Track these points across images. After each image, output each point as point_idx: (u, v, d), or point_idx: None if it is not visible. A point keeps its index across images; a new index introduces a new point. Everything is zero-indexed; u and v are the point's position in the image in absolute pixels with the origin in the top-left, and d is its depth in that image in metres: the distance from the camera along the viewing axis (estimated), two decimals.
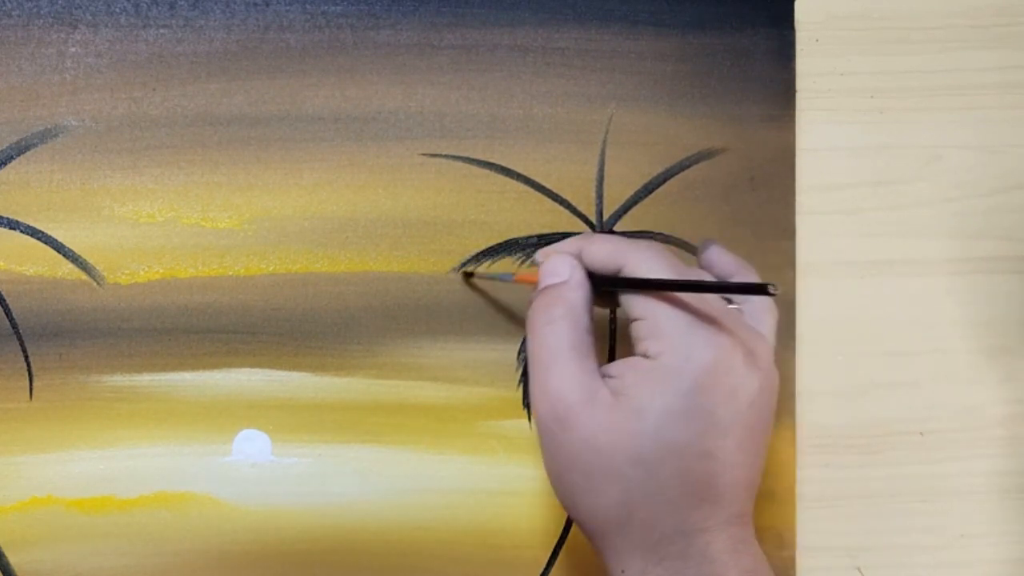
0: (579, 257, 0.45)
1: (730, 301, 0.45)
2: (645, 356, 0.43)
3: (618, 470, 0.42)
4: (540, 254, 0.47)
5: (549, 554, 0.54)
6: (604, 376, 0.43)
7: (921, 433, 0.57)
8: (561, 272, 0.45)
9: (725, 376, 0.42)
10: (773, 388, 0.44)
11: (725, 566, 0.42)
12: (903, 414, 0.57)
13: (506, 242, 0.54)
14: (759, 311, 0.46)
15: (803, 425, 0.56)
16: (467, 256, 0.54)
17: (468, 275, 0.54)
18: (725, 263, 0.48)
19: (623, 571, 0.43)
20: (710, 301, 0.43)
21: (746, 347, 0.43)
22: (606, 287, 0.45)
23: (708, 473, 0.42)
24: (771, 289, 0.38)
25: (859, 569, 0.56)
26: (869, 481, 0.56)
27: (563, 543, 0.54)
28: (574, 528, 0.54)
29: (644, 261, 0.43)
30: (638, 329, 0.43)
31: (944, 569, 0.57)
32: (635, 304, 0.43)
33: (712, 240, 0.49)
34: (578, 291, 0.45)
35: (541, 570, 0.54)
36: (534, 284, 0.46)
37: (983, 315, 0.57)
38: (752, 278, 0.47)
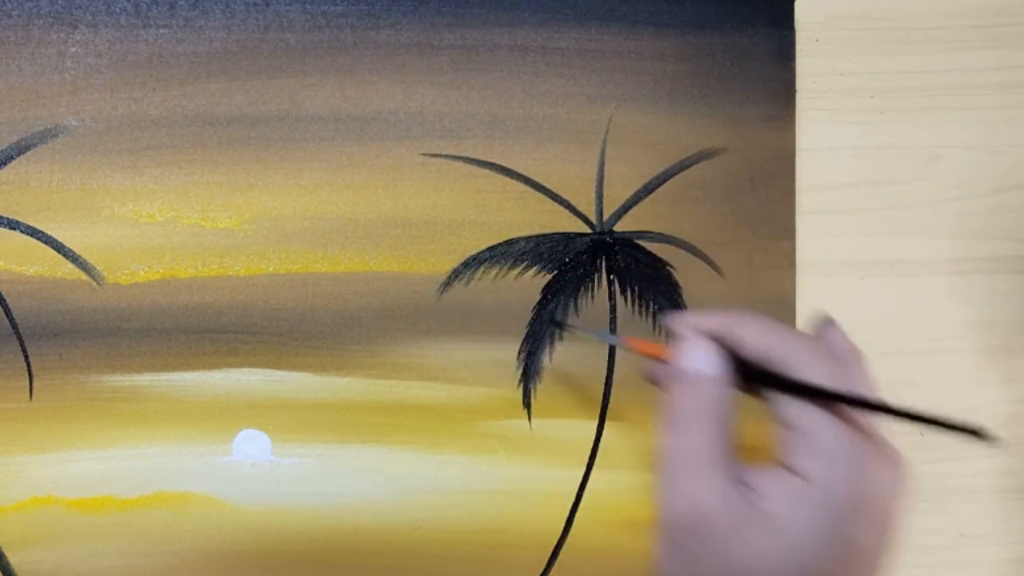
0: (726, 339, 0.41)
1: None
2: (793, 471, 0.39)
3: None
4: (678, 324, 0.42)
5: (549, 554, 0.54)
6: (742, 482, 0.39)
7: (921, 433, 0.57)
8: (705, 364, 0.41)
9: (878, 506, 0.38)
10: (902, 502, 0.40)
11: None
12: None
13: (506, 242, 0.54)
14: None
15: None
16: (467, 256, 0.54)
17: (560, 325, 0.53)
18: (839, 347, 0.42)
19: None
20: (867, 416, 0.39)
21: (892, 466, 0.39)
22: (761, 382, 0.40)
23: None
24: (983, 433, 0.35)
25: None
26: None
27: (563, 543, 0.54)
28: (574, 528, 0.54)
29: (807, 364, 0.39)
30: (790, 440, 0.39)
31: (944, 569, 0.57)
32: (788, 409, 0.39)
33: (831, 319, 0.43)
34: (726, 393, 0.40)
35: (541, 570, 0.54)
36: (653, 353, 0.43)
37: (983, 315, 0.57)
38: (860, 372, 0.41)
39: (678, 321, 0.42)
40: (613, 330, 0.55)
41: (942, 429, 0.37)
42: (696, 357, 0.41)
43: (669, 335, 0.43)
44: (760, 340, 0.40)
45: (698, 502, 0.39)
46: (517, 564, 0.54)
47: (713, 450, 0.39)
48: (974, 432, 0.35)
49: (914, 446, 0.56)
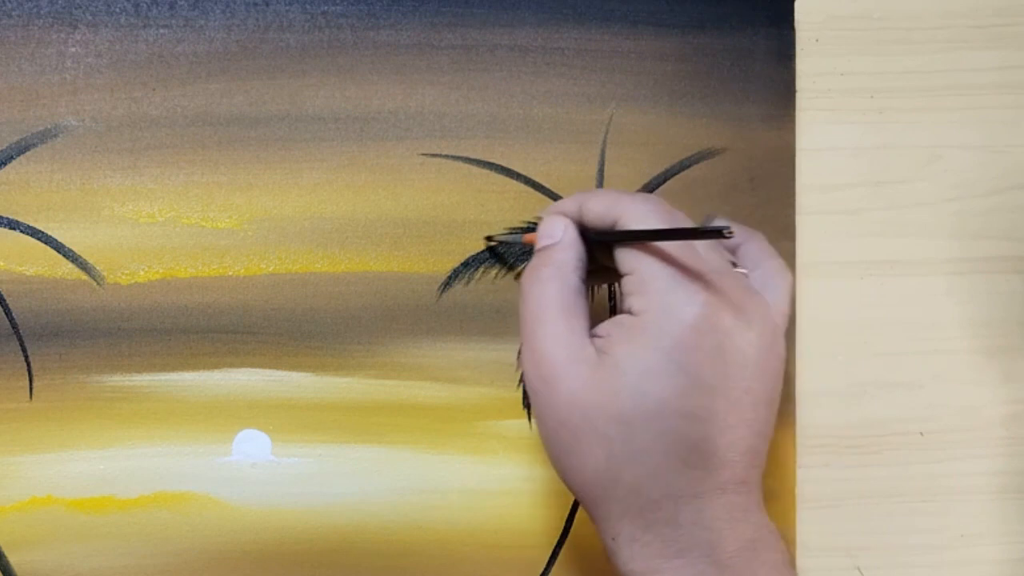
0: (578, 213, 0.45)
1: (735, 265, 0.44)
2: (630, 313, 0.42)
3: (602, 430, 0.41)
4: (543, 212, 0.47)
5: (549, 554, 0.54)
6: (593, 336, 0.42)
7: (921, 433, 0.57)
8: (554, 233, 0.45)
9: (710, 334, 0.40)
10: (774, 351, 0.43)
11: (720, 534, 0.40)
12: (903, 414, 0.57)
13: (509, 238, 0.54)
14: (769, 275, 0.45)
15: (803, 425, 0.56)
16: (467, 256, 0.54)
17: (489, 239, 0.54)
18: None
19: (613, 538, 0.42)
20: (707, 260, 0.42)
21: (737, 306, 0.41)
22: (595, 240, 0.44)
23: (695, 436, 0.40)
24: (726, 232, 0.38)
25: (859, 569, 0.56)
26: (869, 481, 0.56)
27: (563, 543, 0.54)
28: (574, 528, 0.54)
29: (640, 213, 0.43)
30: (626, 284, 0.42)
31: (944, 569, 0.57)
32: (625, 259, 0.42)
33: (715, 214, 0.48)
34: (568, 251, 0.44)
35: (541, 570, 0.54)
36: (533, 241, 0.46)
37: (983, 315, 0.57)
38: (760, 244, 0.46)
39: (546, 211, 0.46)
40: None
41: (695, 238, 0.41)
42: (545, 231, 0.45)
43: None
44: (600, 203, 0.44)
45: (546, 354, 0.42)
46: (517, 564, 0.54)
47: (559, 308, 0.43)
48: (716, 233, 0.38)
49: (914, 446, 0.56)
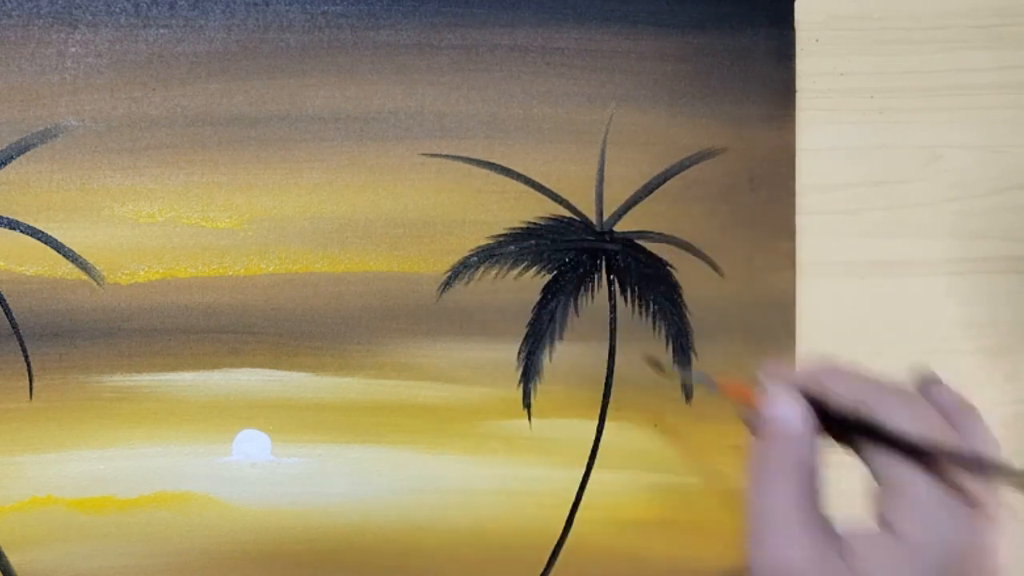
0: (814, 389, 0.40)
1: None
2: (890, 529, 0.37)
3: None
4: (766, 375, 0.41)
5: (549, 554, 0.54)
6: (834, 540, 0.38)
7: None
8: (792, 421, 0.39)
9: (975, 563, 0.37)
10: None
11: None
12: None
13: (505, 241, 0.54)
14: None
15: None
16: (466, 253, 0.54)
17: (658, 366, 0.53)
18: (946, 403, 0.40)
19: None
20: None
21: (994, 529, 0.37)
22: (852, 434, 0.39)
23: None
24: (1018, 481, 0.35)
25: None
26: (869, 481, 0.56)
27: (563, 543, 0.54)
28: (574, 528, 0.54)
29: (900, 415, 0.38)
30: (883, 495, 0.38)
31: None
32: (881, 463, 0.38)
33: (936, 376, 0.41)
34: (807, 443, 0.39)
35: (541, 570, 0.54)
36: (741, 398, 0.42)
37: (983, 315, 0.57)
38: (974, 424, 0.40)
39: (766, 372, 0.41)
40: (613, 331, 0.55)
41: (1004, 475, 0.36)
42: (782, 410, 0.40)
43: (758, 384, 0.41)
44: (851, 390, 0.39)
45: (788, 564, 0.37)
46: (517, 564, 0.54)
47: (802, 508, 0.38)
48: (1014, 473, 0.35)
49: None
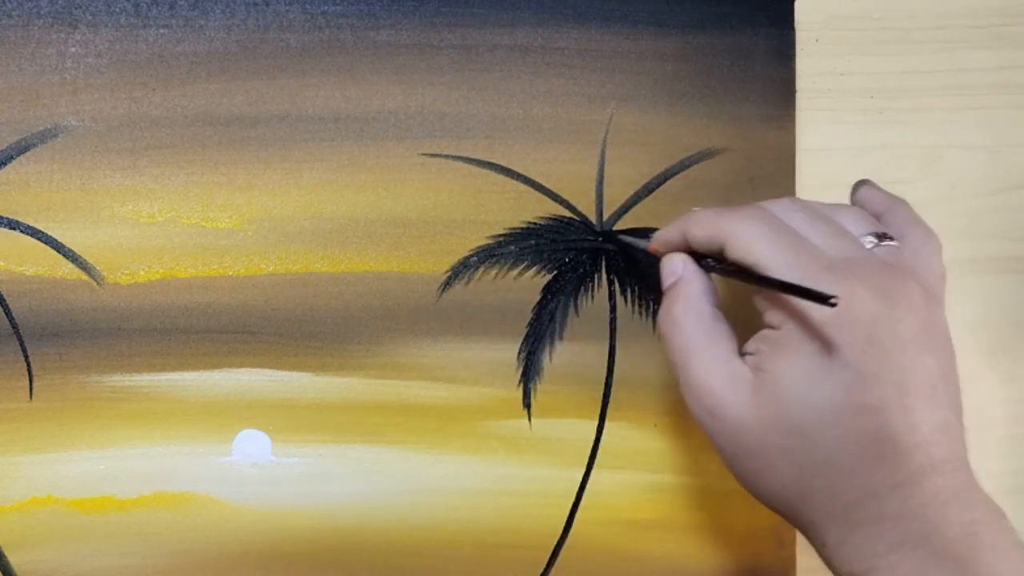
0: (683, 240, 0.45)
1: (885, 236, 0.44)
2: (771, 327, 0.42)
3: (780, 446, 0.40)
4: (655, 240, 0.48)
5: (549, 554, 0.54)
6: (744, 355, 0.43)
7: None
8: (675, 270, 0.45)
9: (856, 325, 0.40)
10: (932, 322, 0.42)
11: (932, 522, 0.39)
12: None
13: (505, 241, 0.54)
14: (918, 242, 0.45)
15: None
16: (466, 253, 0.54)
17: (609, 237, 0.55)
18: (875, 201, 0.47)
19: (823, 545, 0.41)
20: (838, 249, 0.42)
21: (879, 288, 0.40)
22: (709, 270, 0.45)
23: (873, 427, 0.39)
24: (831, 301, 0.38)
25: None
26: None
27: (563, 543, 0.54)
28: (574, 528, 0.54)
29: (744, 234, 0.42)
30: (757, 302, 0.43)
31: None
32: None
33: (867, 180, 0.48)
34: (693, 282, 0.45)
35: (541, 570, 0.54)
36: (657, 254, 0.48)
37: (983, 315, 0.57)
38: (904, 212, 0.47)
39: (654, 240, 0.48)
40: (613, 331, 0.55)
41: (801, 297, 0.40)
42: (666, 270, 0.46)
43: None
44: (703, 230, 0.44)
45: (703, 386, 0.42)
46: (517, 564, 0.54)
47: (701, 339, 0.43)
48: (820, 298, 0.38)
49: None
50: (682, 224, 0.46)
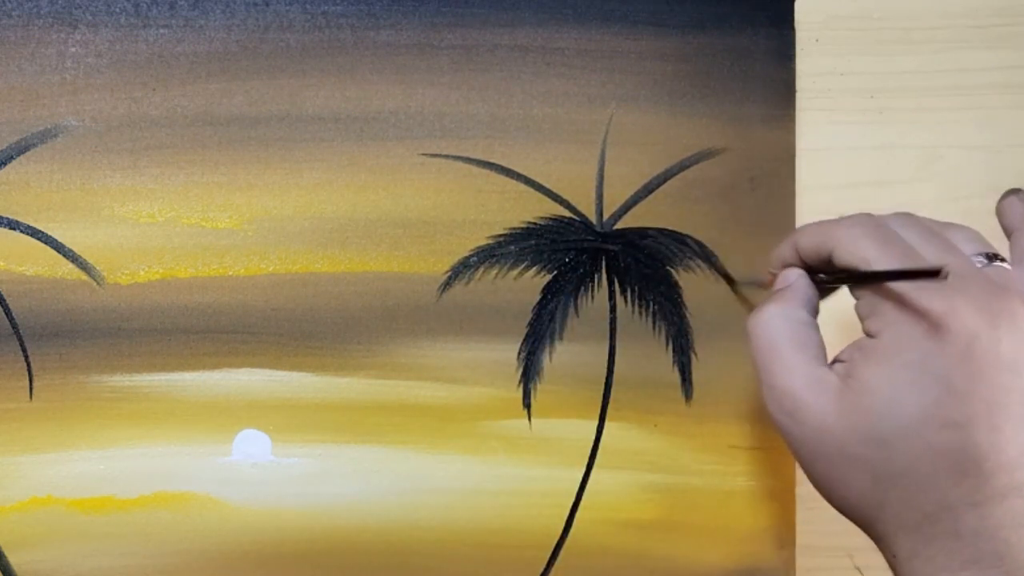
0: (796, 254, 0.45)
1: (996, 257, 0.43)
2: (868, 335, 0.41)
3: (859, 454, 0.40)
4: (770, 260, 0.47)
5: (549, 554, 0.54)
6: (834, 363, 0.42)
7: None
8: (788, 279, 0.45)
9: (955, 339, 0.39)
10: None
11: (1008, 543, 0.38)
12: None
13: (505, 241, 0.54)
14: None
15: None
16: (466, 254, 0.54)
17: (731, 281, 0.55)
18: (1015, 214, 0.45)
19: (894, 555, 0.41)
20: (946, 262, 0.40)
21: (981, 306, 0.40)
22: (820, 283, 0.45)
23: (959, 444, 0.38)
24: (941, 276, 0.38)
25: (859, 569, 0.56)
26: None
27: (563, 543, 0.54)
28: (574, 528, 0.54)
29: (850, 242, 0.42)
30: (858, 308, 0.42)
31: None
32: (857, 291, 0.43)
33: (1019, 190, 0.46)
34: (797, 292, 0.44)
35: (541, 570, 0.54)
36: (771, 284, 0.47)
37: None
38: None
39: (769, 261, 0.47)
40: (613, 332, 0.55)
41: (908, 279, 0.40)
42: (781, 280, 0.45)
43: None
44: (811, 240, 0.44)
45: (785, 389, 0.42)
46: (517, 564, 0.54)
47: (789, 341, 0.42)
48: (932, 273, 0.38)
49: None
50: (792, 237, 0.45)
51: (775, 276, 0.46)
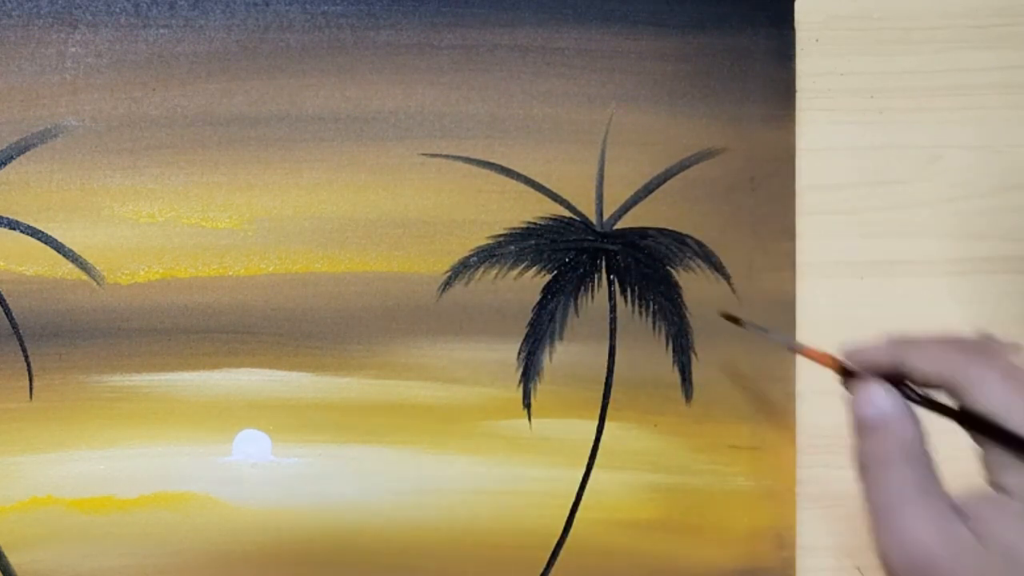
0: (893, 364, 0.41)
1: None
2: (1003, 490, 0.38)
3: None
4: (851, 355, 0.43)
5: (549, 554, 0.54)
6: (956, 511, 0.39)
7: None
8: (881, 405, 0.41)
9: None
10: None
11: None
12: None
13: (505, 242, 0.54)
14: None
15: (803, 425, 0.56)
16: (466, 253, 0.54)
17: (733, 320, 0.53)
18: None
19: None
20: None
21: None
22: (927, 408, 0.41)
23: None
24: None
25: (859, 569, 0.56)
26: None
27: (563, 543, 0.54)
28: (574, 528, 0.54)
29: (985, 383, 0.39)
30: (990, 456, 0.39)
31: None
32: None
33: (1017, 344, 0.42)
34: (910, 427, 0.40)
35: (541, 570, 0.54)
36: (824, 363, 0.44)
37: (983, 315, 0.57)
38: None
39: (851, 354, 0.42)
40: (613, 331, 0.55)
41: None
42: (869, 401, 0.41)
43: (843, 368, 0.43)
44: (931, 360, 0.40)
45: (919, 543, 0.38)
46: (517, 563, 0.54)
47: (920, 490, 0.39)
48: None
49: None
50: (898, 350, 0.41)
51: (832, 362, 0.43)
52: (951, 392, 0.40)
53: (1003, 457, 0.38)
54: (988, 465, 0.39)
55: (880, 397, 0.41)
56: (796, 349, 0.45)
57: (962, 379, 0.39)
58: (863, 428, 0.41)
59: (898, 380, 0.41)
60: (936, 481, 0.40)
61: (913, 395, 0.41)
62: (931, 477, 0.40)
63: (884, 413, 0.41)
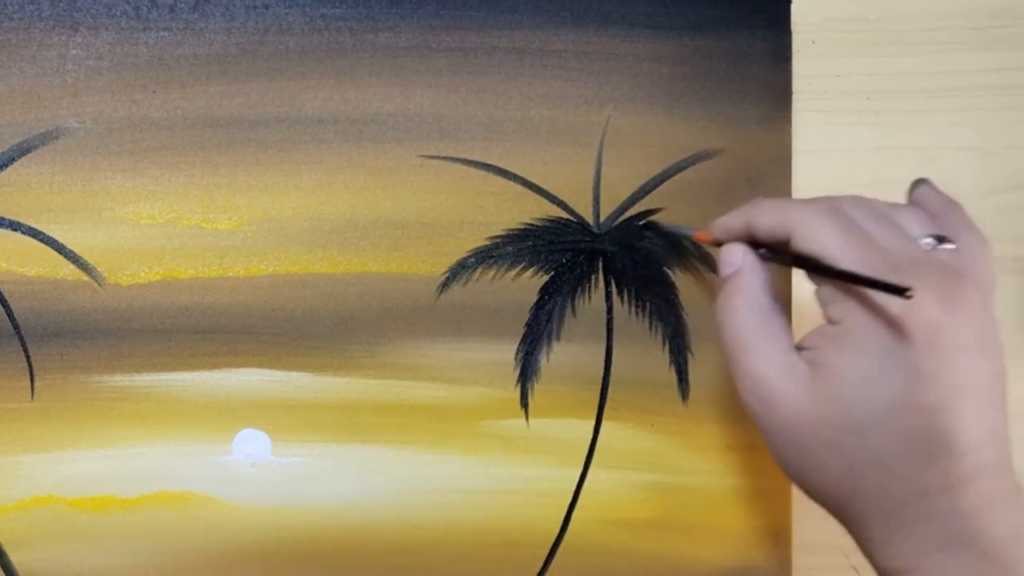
0: (746, 229, 0.45)
1: (943, 239, 0.43)
2: (831, 321, 0.42)
3: (833, 442, 0.40)
4: (715, 227, 0.46)
5: (546, 553, 0.54)
6: (801, 349, 0.42)
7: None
8: (734, 261, 0.45)
9: (919, 326, 0.39)
10: (988, 325, 0.41)
11: (980, 523, 0.39)
12: None
13: (502, 243, 0.55)
14: (971, 246, 0.43)
15: None
16: (464, 254, 0.54)
17: (649, 227, 0.55)
18: (931, 202, 0.45)
19: (868, 540, 0.42)
20: (901, 248, 0.41)
21: (940, 291, 0.40)
22: (769, 260, 0.45)
23: (929, 428, 0.39)
24: (906, 295, 0.38)
25: (855, 568, 0.56)
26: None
27: (560, 542, 0.54)
28: (571, 527, 0.54)
29: (813, 228, 0.42)
30: (819, 295, 0.43)
31: None
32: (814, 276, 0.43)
33: (925, 179, 0.47)
34: (752, 275, 0.44)
35: (538, 569, 0.54)
36: (709, 243, 0.47)
37: None
38: (959, 215, 0.45)
39: (714, 228, 0.46)
40: (610, 332, 0.55)
41: (875, 289, 0.40)
42: (725, 259, 0.45)
43: (716, 241, 0.47)
44: (769, 220, 0.44)
45: (758, 377, 0.42)
46: (514, 563, 0.54)
47: (759, 331, 0.43)
48: (897, 290, 0.38)
49: None
50: (746, 213, 0.45)
51: (710, 238, 0.47)
52: (791, 240, 0.43)
53: (832, 292, 0.42)
54: (821, 301, 0.43)
55: (730, 254, 0.45)
56: (693, 237, 0.49)
57: (794, 226, 0.42)
58: (720, 284, 0.45)
59: (756, 244, 0.45)
60: (779, 324, 0.43)
61: (764, 253, 0.44)
62: (775, 320, 0.43)
63: (733, 267, 0.45)
